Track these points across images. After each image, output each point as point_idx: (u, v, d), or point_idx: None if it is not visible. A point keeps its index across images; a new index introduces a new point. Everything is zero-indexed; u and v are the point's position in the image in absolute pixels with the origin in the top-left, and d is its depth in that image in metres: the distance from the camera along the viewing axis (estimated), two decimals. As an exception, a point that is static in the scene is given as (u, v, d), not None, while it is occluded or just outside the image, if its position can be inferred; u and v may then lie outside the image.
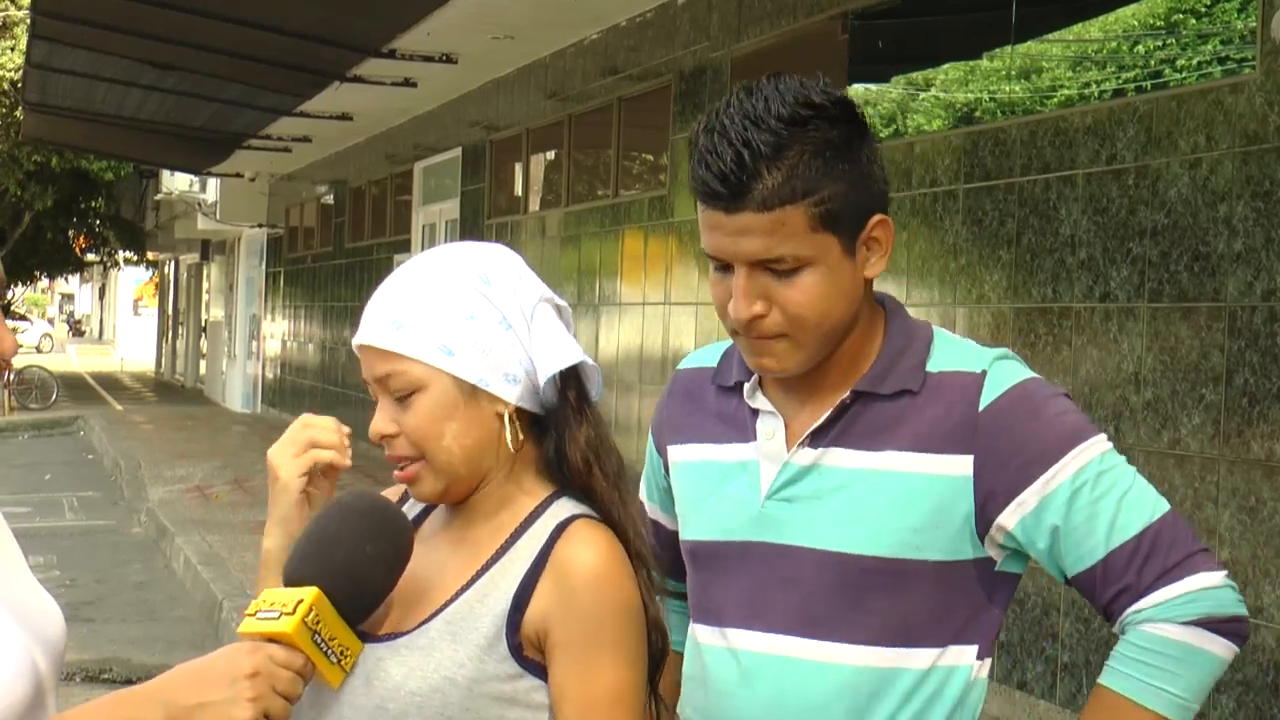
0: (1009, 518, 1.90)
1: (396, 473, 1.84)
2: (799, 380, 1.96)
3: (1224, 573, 1.90)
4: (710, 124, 1.88)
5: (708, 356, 2.13)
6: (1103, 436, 1.93)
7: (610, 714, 1.73)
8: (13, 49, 25.29)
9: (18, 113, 23.30)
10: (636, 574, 1.79)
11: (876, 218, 1.92)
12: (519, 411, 1.82)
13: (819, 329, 1.90)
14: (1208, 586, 1.88)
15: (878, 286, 2.03)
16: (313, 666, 1.69)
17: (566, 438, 1.82)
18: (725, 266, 1.92)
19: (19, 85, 21.43)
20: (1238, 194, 5.33)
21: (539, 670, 1.75)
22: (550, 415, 1.83)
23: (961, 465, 1.90)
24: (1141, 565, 1.87)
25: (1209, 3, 5.68)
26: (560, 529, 1.78)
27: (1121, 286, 5.84)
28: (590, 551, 1.76)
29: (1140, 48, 6.03)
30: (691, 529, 2.07)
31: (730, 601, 1.99)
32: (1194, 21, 5.77)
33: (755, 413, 2.00)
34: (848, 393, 1.95)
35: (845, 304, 1.91)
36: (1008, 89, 6.65)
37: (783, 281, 1.88)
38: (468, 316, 1.79)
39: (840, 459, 1.94)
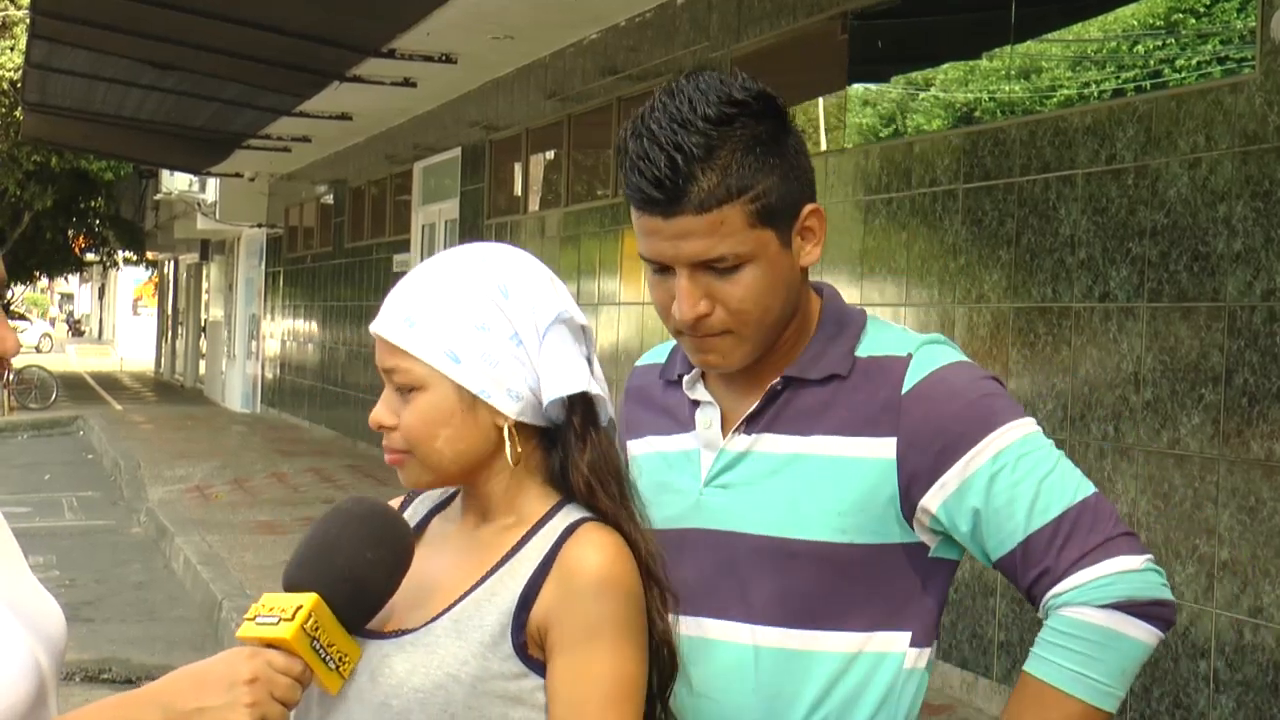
0: (931, 500, 1.91)
1: (386, 457, 1.86)
2: (738, 370, 2.00)
3: (1146, 556, 1.89)
4: (638, 129, 1.89)
5: (659, 353, 2.17)
6: (1028, 420, 1.93)
7: (601, 715, 1.72)
8: (12, 49, 25.29)
9: (17, 112, 23.31)
10: (646, 589, 1.79)
11: (809, 207, 1.94)
12: (523, 423, 1.82)
13: (762, 323, 1.93)
14: (1126, 570, 1.87)
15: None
16: (311, 673, 1.70)
17: (569, 460, 1.82)
18: (665, 269, 1.93)
19: (19, 85, 21.43)
20: (1237, 194, 5.33)
21: (544, 670, 1.76)
22: (557, 432, 1.83)
23: (885, 448, 1.92)
24: (1060, 548, 1.87)
25: (1208, 2, 5.68)
26: (570, 530, 1.79)
27: (1121, 286, 5.84)
28: (596, 553, 1.76)
29: (1140, 48, 6.03)
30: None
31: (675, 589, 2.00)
32: (1193, 21, 5.77)
33: (696, 404, 2.04)
34: (778, 379, 1.97)
35: (785, 295, 1.94)
36: (1007, 89, 6.65)
37: (724, 279, 1.90)
38: (479, 326, 1.79)
39: (772, 444, 1.97)
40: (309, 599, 1.69)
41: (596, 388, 1.82)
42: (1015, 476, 1.88)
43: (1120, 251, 5.86)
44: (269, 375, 23.87)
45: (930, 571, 1.97)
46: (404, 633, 1.78)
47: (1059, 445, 1.97)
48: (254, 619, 1.70)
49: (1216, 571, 5.37)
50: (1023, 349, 6.36)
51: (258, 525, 11.80)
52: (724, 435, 2.01)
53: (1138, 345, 5.76)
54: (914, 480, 1.91)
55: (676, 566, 1.96)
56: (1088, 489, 1.90)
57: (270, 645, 1.68)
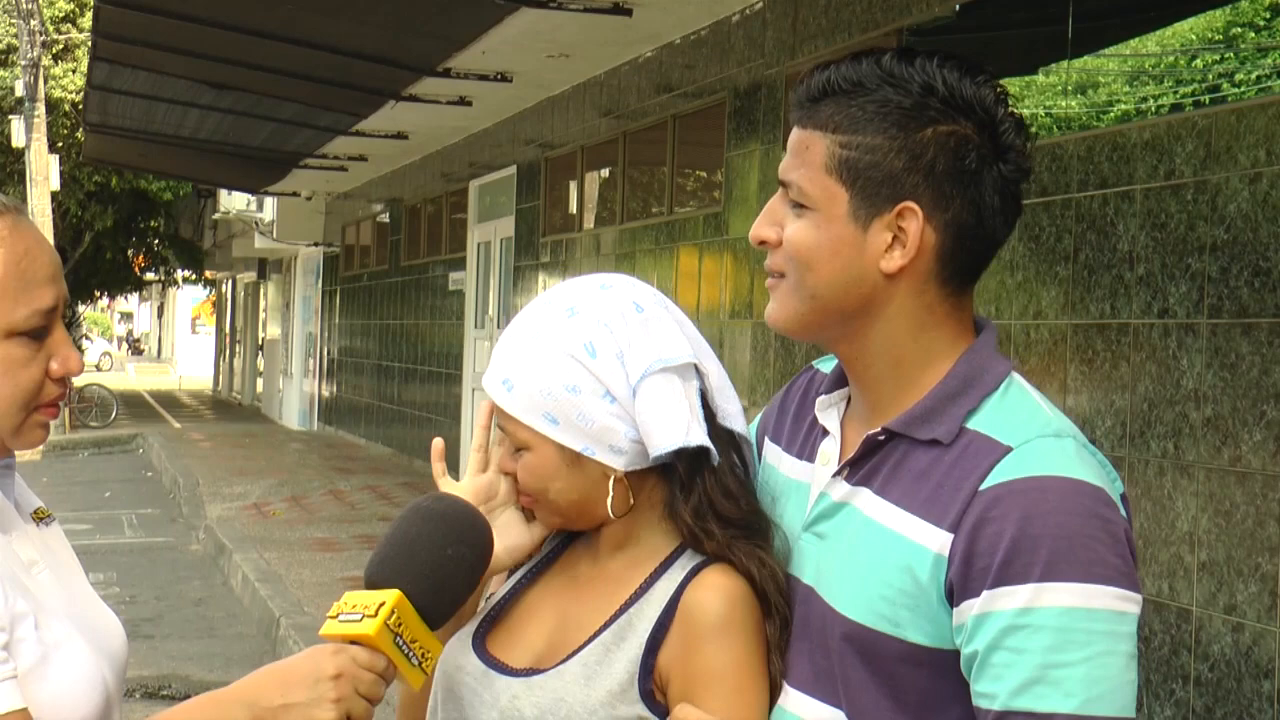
0: (957, 616, 1.63)
1: (519, 499, 1.88)
2: (859, 398, 1.82)
3: None
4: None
5: (829, 360, 1.94)
6: (1106, 591, 1.57)
7: None
8: (74, 71, 25.61)
9: (79, 134, 23.60)
10: (768, 621, 1.76)
11: (905, 203, 1.71)
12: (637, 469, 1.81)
13: (802, 280, 1.74)
14: None
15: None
16: (394, 669, 1.71)
17: (676, 504, 1.81)
18: None
19: (80, 106, 21.71)
20: (1299, 208, 5.28)
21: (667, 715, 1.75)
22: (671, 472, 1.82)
23: (943, 542, 1.64)
24: None
25: (1268, 16, 5.63)
26: (693, 573, 1.78)
27: (1180, 302, 5.79)
28: (716, 598, 1.75)
29: (1198, 62, 5.99)
30: None
31: None
32: (1253, 35, 5.72)
33: (826, 432, 1.84)
34: (879, 428, 1.74)
35: (835, 269, 1.73)
36: (1064, 104, 6.62)
37: (793, 215, 1.76)
38: (569, 389, 1.79)
39: (867, 503, 1.73)
40: (392, 595, 1.70)
41: (697, 437, 1.78)
42: (1028, 644, 1.56)
43: (1180, 267, 5.81)
44: (326, 393, 24.00)
45: None
46: (534, 672, 1.79)
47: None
48: (336, 616, 1.71)
49: None
50: (1081, 365, 6.32)
51: (315, 543, 11.85)
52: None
53: (1198, 362, 5.71)
54: (951, 590, 1.63)
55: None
56: (1109, 710, 1.55)
57: (354, 642, 1.69)
